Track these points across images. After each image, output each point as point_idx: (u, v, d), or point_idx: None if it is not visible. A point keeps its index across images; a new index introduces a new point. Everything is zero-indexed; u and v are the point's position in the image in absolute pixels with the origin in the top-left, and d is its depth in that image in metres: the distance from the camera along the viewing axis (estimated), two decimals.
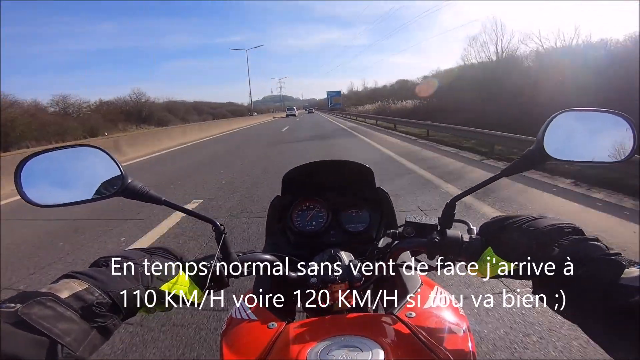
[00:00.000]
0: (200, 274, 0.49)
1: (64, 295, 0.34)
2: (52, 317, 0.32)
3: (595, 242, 0.40)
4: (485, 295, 1.80)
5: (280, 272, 0.58)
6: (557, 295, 0.41)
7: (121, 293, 0.38)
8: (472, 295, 1.81)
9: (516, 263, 0.45)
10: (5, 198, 4.99)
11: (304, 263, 0.61)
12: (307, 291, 0.66)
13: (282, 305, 0.64)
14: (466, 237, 0.52)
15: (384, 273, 0.64)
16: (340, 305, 0.58)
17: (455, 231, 0.53)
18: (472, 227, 0.55)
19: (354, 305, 0.60)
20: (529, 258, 0.43)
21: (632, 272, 0.35)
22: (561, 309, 0.41)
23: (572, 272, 0.39)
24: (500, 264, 0.46)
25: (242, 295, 0.64)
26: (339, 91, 78.20)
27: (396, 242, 0.58)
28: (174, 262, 0.48)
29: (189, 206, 3.74)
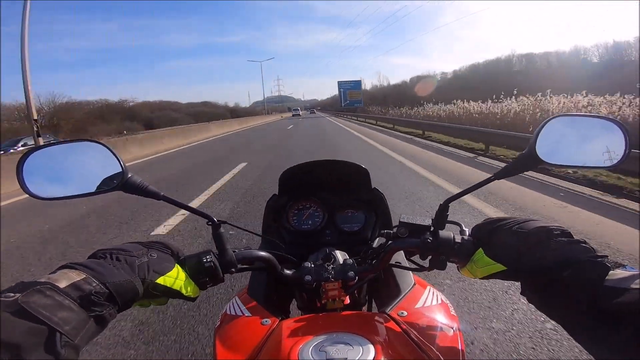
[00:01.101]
0: (196, 268, 0.50)
1: (62, 284, 0.35)
2: (51, 305, 0.32)
3: (583, 245, 0.41)
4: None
5: (276, 270, 0.58)
6: (544, 296, 0.42)
7: (118, 284, 0.39)
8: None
9: (506, 264, 0.45)
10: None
11: (299, 261, 0.62)
12: (302, 289, 0.67)
13: (276, 303, 0.64)
14: (458, 238, 0.53)
15: (378, 273, 0.65)
16: (334, 303, 0.59)
17: (448, 232, 0.54)
18: (464, 228, 0.56)
19: (347, 304, 0.61)
20: (517, 259, 0.44)
21: (616, 274, 0.36)
22: (548, 310, 0.42)
23: (559, 274, 0.39)
24: (490, 265, 0.47)
25: (237, 292, 0.65)
26: (359, 82, 49.27)
27: (390, 242, 0.59)
28: (171, 256, 0.48)
29: None
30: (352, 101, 45.87)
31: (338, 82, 48.50)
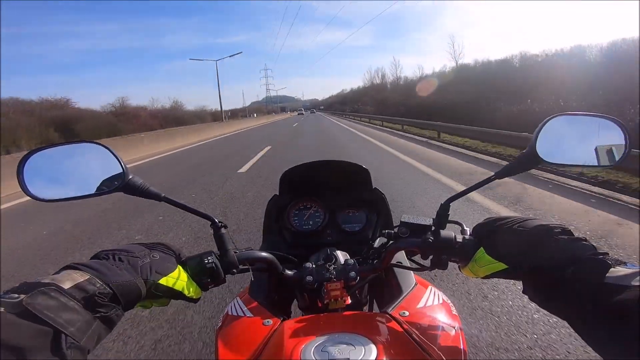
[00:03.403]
0: (197, 269, 0.50)
1: (66, 285, 0.34)
2: (56, 307, 0.32)
3: (583, 242, 0.41)
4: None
5: (277, 271, 0.58)
6: (546, 295, 0.42)
7: (121, 285, 0.39)
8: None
9: (507, 263, 0.46)
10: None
11: (300, 262, 0.62)
12: (303, 290, 0.67)
13: (277, 303, 0.64)
14: (459, 238, 0.53)
15: (379, 272, 0.65)
16: (335, 303, 0.58)
17: (449, 232, 0.54)
18: (465, 227, 0.56)
19: (349, 304, 0.61)
20: (519, 258, 0.44)
21: (617, 271, 0.36)
22: (550, 308, 0.42)
23: (561, 272, 0.39)
24: (492, 264, 0.47)
25: (238, 293, 0.65)
26: None
27: (391, 242, 0.59)
28: (173, 257, 0.48)
29: None
30: None
31: None
